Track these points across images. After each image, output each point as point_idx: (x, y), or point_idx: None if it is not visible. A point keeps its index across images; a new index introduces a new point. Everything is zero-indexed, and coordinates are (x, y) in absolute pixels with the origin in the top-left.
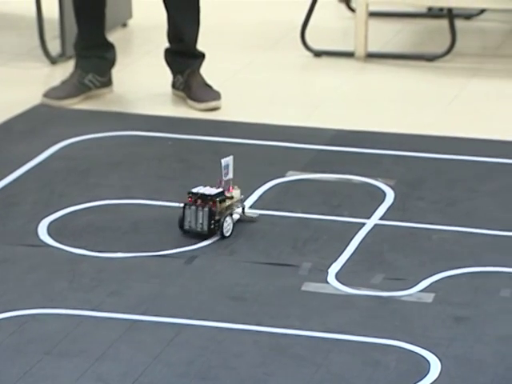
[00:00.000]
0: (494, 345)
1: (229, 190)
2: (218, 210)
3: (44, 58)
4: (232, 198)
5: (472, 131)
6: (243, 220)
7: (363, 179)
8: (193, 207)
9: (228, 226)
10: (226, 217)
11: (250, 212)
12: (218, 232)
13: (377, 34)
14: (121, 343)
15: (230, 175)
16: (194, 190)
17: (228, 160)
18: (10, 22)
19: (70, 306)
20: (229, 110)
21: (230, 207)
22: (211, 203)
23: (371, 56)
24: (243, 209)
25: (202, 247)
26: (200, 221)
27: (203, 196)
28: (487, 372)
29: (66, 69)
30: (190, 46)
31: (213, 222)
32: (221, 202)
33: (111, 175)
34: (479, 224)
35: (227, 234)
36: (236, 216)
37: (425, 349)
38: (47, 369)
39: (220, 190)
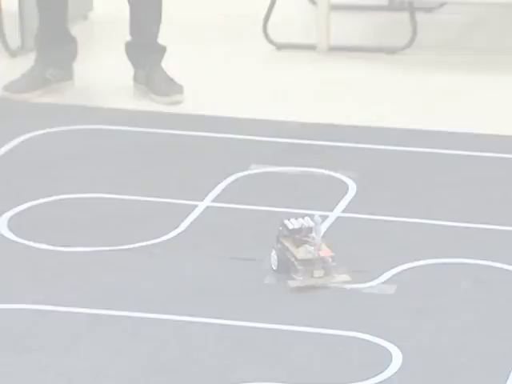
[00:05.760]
0: (456, 335)
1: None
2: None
3: (3, 51)
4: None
5: (433, 123)
6: None
7: (326, 172)
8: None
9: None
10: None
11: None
12: None
13: (339, 26)
14: (82, 338)
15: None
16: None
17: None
18: None
19: (30, 300)
20: (191, 104)
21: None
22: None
23: (333, 49)
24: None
25: (164, 241)
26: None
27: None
28: (449, 362)
29: (27, 62)
30: (152, 39)
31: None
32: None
33: (73, 169)
34: (440, 216)
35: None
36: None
37: (387, 340)
38: (7, 365)
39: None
